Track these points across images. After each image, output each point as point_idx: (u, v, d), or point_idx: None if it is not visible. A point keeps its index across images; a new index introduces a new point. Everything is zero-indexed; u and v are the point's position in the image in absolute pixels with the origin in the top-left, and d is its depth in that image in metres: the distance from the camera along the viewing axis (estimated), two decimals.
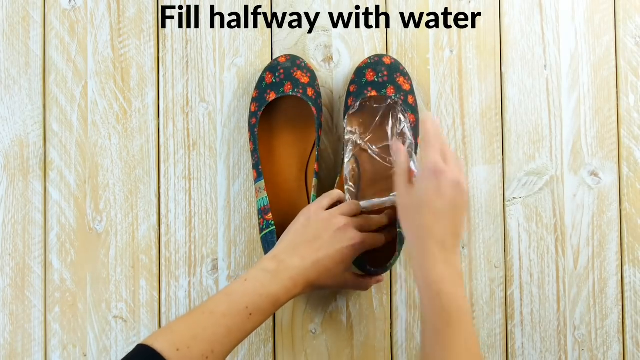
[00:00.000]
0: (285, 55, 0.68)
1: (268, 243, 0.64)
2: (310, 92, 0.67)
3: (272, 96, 0.66)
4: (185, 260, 0.70)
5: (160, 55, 0.72)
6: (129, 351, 0.49)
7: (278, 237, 0.64)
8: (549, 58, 0.72)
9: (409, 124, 0.67)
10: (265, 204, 0.65)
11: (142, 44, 0.72)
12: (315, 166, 0.67)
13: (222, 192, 0.71)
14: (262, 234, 0.65)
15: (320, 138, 0.68)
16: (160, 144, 0.71)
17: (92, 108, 0.71)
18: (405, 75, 0.68)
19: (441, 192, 0.53)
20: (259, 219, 0.66)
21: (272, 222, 0.64)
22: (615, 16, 0.72)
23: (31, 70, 0.72)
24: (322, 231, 0.58)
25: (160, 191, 0.71)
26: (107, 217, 0.70)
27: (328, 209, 0.61)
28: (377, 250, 0.66)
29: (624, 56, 0.72)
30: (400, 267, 0.70)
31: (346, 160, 0.68)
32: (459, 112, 0.71)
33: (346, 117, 0.68)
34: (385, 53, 0.71)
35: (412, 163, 0.60)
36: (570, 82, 0.72)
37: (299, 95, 0.66)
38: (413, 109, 0.68)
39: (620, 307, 0.71)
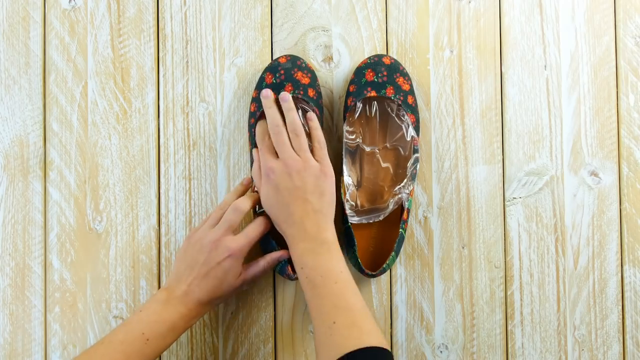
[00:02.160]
0: (285, 55, 0.68)
1: (264, 242, 0.65)
2: (311, 92, 0.67)
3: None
4: None
5: (160, 55, 0.72)
6: None
7: (273, 237, 0.64)
8: (549, 58, 0.72)
9: (410, 125, 0.67)
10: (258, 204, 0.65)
11: (142, 44, 0.72)
12: None
13: (222, 192, 0.71)
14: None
15: None
16: (160, 144, 0.71)
17: (92, 108, 0.71)
18: (405, 75, 0.68)
19: (275, 188, 0.60)
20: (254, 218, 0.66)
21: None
22: (615, 16, 0.72)
23: (31, 70, 0.72)
24: (198, 254, 0.61)
25: (160, 191, 0.71)
26: (107, 217, 0.70)
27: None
28: (374, 253, 0.66)
29: (624, 56, 0.72)
30: (400, 267, 0.70)
31: (345, 160, 0.68)
32: (459, 112, 0.71)
33: (346, 118, 0.68)
34: (385, 53, 0.71)
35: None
36: (570, 82, 0.72)
37: (299, 96, 0.66)
38: (413, 109, 0.68)
39: (620, 307, 0.71)
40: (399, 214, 0.67)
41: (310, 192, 0.59)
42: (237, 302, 0.70)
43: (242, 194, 0.66)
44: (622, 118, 0.72)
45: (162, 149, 0.71)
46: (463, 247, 0.71)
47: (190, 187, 0.71)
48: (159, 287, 0.70)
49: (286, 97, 0.62)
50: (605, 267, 0.71)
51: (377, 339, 0.52)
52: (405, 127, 0.68)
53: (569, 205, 0.71)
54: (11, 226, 0.71)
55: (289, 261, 0.64)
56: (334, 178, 0.62)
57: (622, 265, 0.71)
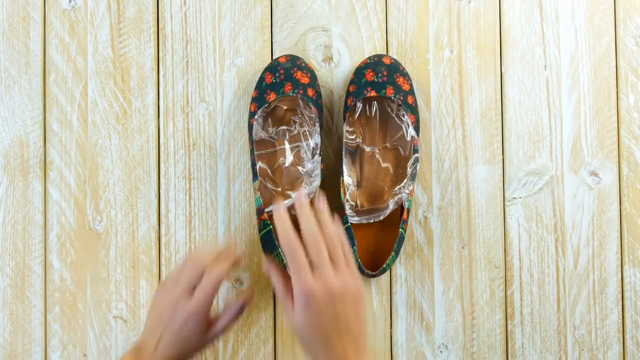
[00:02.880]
0: (285, 55, 0.68)
1: (266, 243, 0.65)
2: (310, 92, 0.67)
3: (272, 97, 0.66)
4: None
5: (160, 55, 0.72)
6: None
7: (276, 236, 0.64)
8: (549, 58, 0.72)
9: (410, 126, 0.67)
10: (260, 204, 0.65)
11: (142, 44, 0.72)
12: (321, 166, 0.67)
13: (222, 192, 0.71)
14: (261, 234, 0.65)
15: (322, 138, 0.68)
16: (160, 144, 0.71)
17: (92, 108, 0.71)
18: (405, 75, 0.68)
19: (315, 315, 0.51)
20: (257, 219, 0.66)
21: (268, 222, 0.64)
22: (615, 16, 0.72)
23: (31, 70, 0.72)
24: (162, 313, 0.58)
25: (160, 191, 0.71)
26: (107, 217, 0.70)
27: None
28: (373, 253, 0.66)
29: (624, 56, 0.72)
30: (400, 267, 0.70)
31: (345, 160, 0.68)
32: (459, 112, 0.71)
33: (346, 118, 0.68)
34: (385, 53, 0.71)
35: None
36: (570, 82, 0.72)
37: (299, 95, 0.66)
38: (413, 109, 0.68)
39: (620, 307, 0.71)
40: (399, 214, 0.67)
41: (352, 321, 0.52)
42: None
43: (216, 255, 0.61)
44: (622, 118, 0.72)
45: (162, 149, 0.71)
46: (463, 247, 0.71)
47: (190, 187, 0.71)
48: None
49: (322, 206, 0.56)
50: (605, 267, 0.71)
51: None
52: (405, 127, 0.68)
53: (569, 205, 0.71)
54: (11, 226, 0.71)
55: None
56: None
57: (622, 265, 0.71)
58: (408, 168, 0.67)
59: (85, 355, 0.70)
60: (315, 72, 0.70)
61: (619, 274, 0.71)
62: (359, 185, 0.68)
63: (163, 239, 0.71)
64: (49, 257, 0.70)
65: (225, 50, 0.72)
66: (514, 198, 0.71)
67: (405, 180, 0.67)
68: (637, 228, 0.71)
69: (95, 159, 0.71)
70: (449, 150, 0.71)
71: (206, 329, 0.59)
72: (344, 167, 0.67)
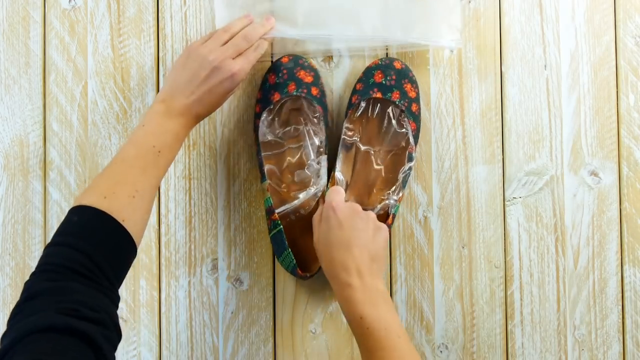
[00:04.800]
0: (287, 55, 0.68)
1: (277, 243, 0.65)
2: (314, 91, 0.67)
3: (276, 97, 0.66)
4: (185, 260, 0.70)
5: (160, 55, 0.72)
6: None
7: (287, 236, 0.64)
8: (549, 58, 0.72)
9: (410, 132, 0.67)
10: (270, 205, 0.65)
11: (142, 44, 0.72)
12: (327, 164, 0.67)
13: (222, 192, 0.71)
14: (271, 234, 0.65)
15: (327, 136, 0.68)
16: None
17: (92, 108, 0.71)
18: (413, 82, 0.68)
19: (339, 224, 0.58)
20: (266, 219, 0.66)
21: (279, 222, 0.64)
22: (615, 16, 0.72)
23: (31, 70, 0.72)
24: (199, 69, 0.61)
25: (160, 191, 0.71)
26: None
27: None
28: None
29: (624, 56, 0.72)
30: (400, 267, 0.70)
31: (339, 156, 0.68)
32: (459, 112, 0.71)
33: (347, 115, 0.68)
34: (395, 57, 0.71)
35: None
36: (570, 82, 0.72)
37: (303, 94, 0.66)
38: (415, 117, 0.68)
39: (620, 307, 0.71)
40: (384, 219, 0.66)
41: (371, 241, 0.58)
42: (237, 302, 0.70)
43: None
44: (622, 118, 0.72)
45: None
46: (463, 247, 0.71)
47: (190, 187, 0.71)
48: (159, 286, 0.70)
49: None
50: (605, 267, 0.71)
51: None
52: (404, 133, 0.68)
53: (569, 205, 0.71)
54: (11, 226, 0.71)
55: (299, 264, 0.64)
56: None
57: (622, 265, 0.71)
58: (400, 174, 0.67)
59: None
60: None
61: (619, 274, 0.71)
62: (349, 183, 0.68)
63: (163, 239, 0.71)
64: None
65: None
66: (514, 198, 0.71)
67: (395, 186, 0.67)
68: (637, 228, 0.71)
69: (95, 159, 0.71)
70: (449, 150, 0.71)
71: (234, 90, 0.63)
72: (338, 163, 0.67)
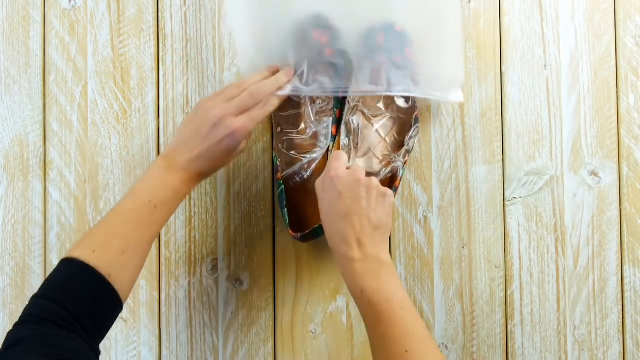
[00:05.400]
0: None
1: (280, 202, 0.66)
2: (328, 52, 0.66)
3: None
4: (185, 260, 0.70)
5: (160, 55, 0.72)
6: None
7: (290, 197, 0.66)
8: (549, 58, 0.72)
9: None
10: (276, 164, 0.67)
11: (142, 43, 0.72)
12: (333, 129, 0.67)
13: (222, 192, 0.71)
14: (276, 193, 0.68)
15: (336, 100, 0.67)
16: (160, 143, 0.71)
17: (92, 108, 0.71)
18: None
19: (339, 195, 0.56)
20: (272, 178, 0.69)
21: (281, 182, 0.66)
22: (615, 16, 0.72)
23: (31, 70, 0.72)
24: (202, 125, 0.60)
25: None
26: None
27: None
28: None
29: (624, 56, 0.72)
30: (400, 267, 0.70)
31: (344, 121, 0.68)
32: (459, 112, 0.71)
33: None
34: None
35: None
36: (570, 82, 0.72)
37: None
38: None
39: (620, 307, 0.71)
40: (390, 182, 0.67)
41: (372, 209, 0.56)
42: (237, 302, 0.70)
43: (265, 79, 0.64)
44: (622, 118, 0.72)
45: (162, 148, 0.71)
46: (463, 247, 0.71)
47: None
48: (159, 287, 0.70)
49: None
50: (605, 267, 0.71)
51: None
52: (409, 97, 0.68)
53: (569, 205, 0.71)
54: (11, 226, 0.71)
55: (301, 226, 0.64)
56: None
57: (622, 265, 0.71)
58: (407, 138, 0.67)
59: None
60: None
61: (619, 274, 0.71)
62: (355, 148, 0.68)
63: (163, 239, 0.71)
64: (49, 257, 0.70)
65: (225, 50, 0.72)
66: (514, 198, 0.71)
67: (403, 149, 0.67)
68: (637, 228, 0.71)
69: (95, 159, 0.71)
70: (449, 150, 0.71)
71: (239, 150, 0.61)
72: (343, 127, 0.67)
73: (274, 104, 0.62)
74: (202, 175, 0.60)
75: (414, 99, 0.68)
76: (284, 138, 0.68)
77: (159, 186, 0.57)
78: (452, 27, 0.68)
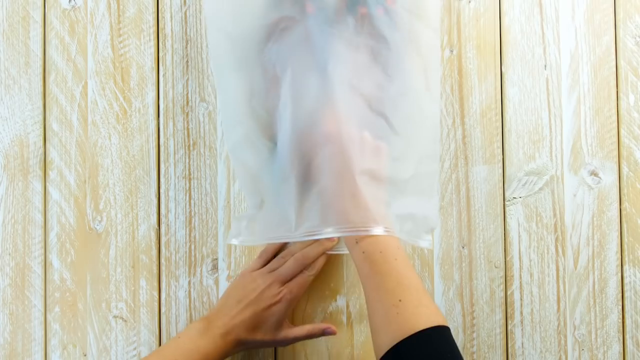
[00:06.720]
0: None
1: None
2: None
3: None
4: (185, 260, 0.70)
5: (160, 55, 0.72)
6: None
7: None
8: (549, 58, 0.72)
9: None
10: None
11: (142, 43, 0.72)
12: None
13: (222, 192, 0.71)
14: None
15: None
16: (160, 143, 0.71)
17: (92, 108, 0.71)
18: None
19: (313, 144, 0.56)
20: None
21: None
22: (615, 16, 0.72)
23: (31, 70, 0.72)
24: (250, 292, 0.61)
25: (160, 191, 0.71)
26: (107, 217, 0.70)
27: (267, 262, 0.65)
28: None
29: (624, 56, 0.72)
30: None
31: None
32: (459, 112, 0.71)
33: None
34: None
35: None
36: (570, 82, 0.72)
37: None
38: None
39: (620, 307, 0.71)
40: None
41: (367, 161, 0.56)
42: None
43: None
44: (622, 118, 0.72)
45: (162, 148, 0.71)
46: (463, 247, 0.71)
47: (190, 187, 0.71)
48: (159, 286, 0.71)
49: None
50: (605, 267, 0.71)
51: (443, 319, 0.51)
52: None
53: (569, 205, 0.71)
54: (11, 226, 0.71)
55: None
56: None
57: (622, 265, 0.71)
58: None
59: (85, 355, 0.70)
60: None
61: (619, 274, 0.71)
62: None
63: (163, 239, 0.71)
64: (49, 257, 0.70)
65: None
66: (514, 198, 0.71)
67: None
68: (637, 228, 0.71)
69: (95, 159, 0.71)
70: (449, 150, 0.71)
71: (282, 323, 0.61)
72: None
73: (320, 264, 0.63)
74: (238, 344, 0.60)
75: None
76: None
77: (188, 347, 0.57)
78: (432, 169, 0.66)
